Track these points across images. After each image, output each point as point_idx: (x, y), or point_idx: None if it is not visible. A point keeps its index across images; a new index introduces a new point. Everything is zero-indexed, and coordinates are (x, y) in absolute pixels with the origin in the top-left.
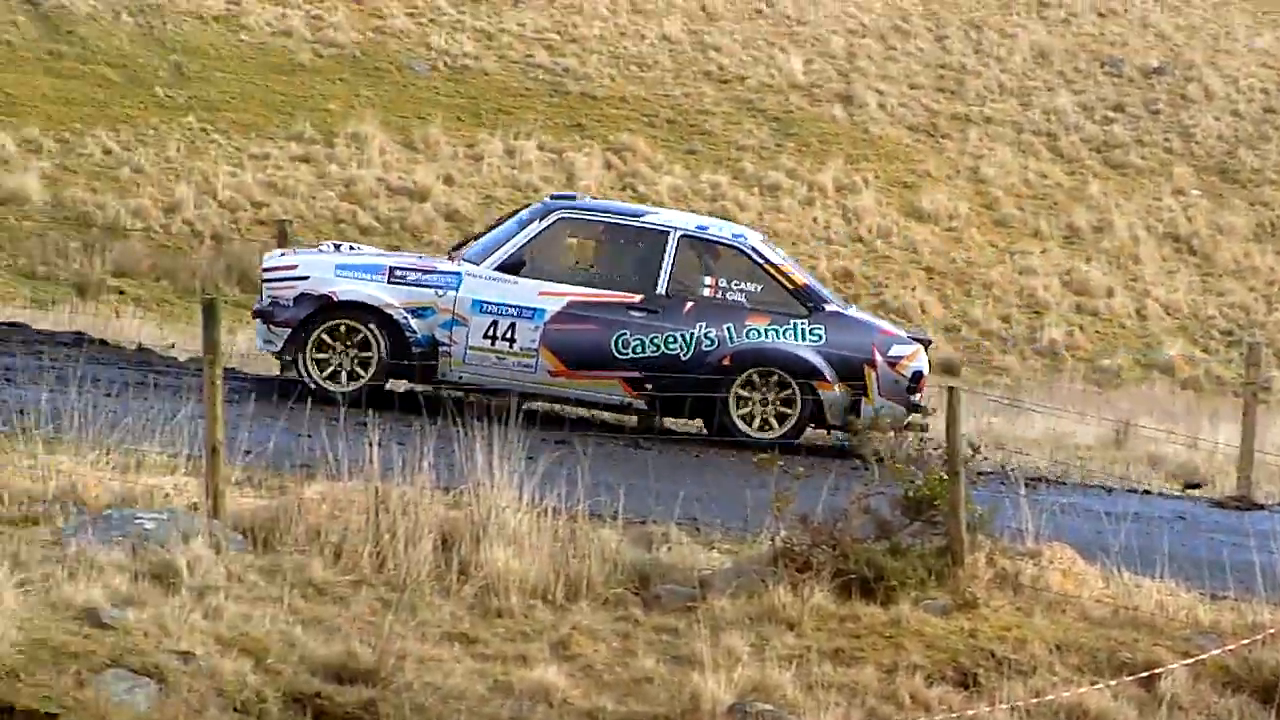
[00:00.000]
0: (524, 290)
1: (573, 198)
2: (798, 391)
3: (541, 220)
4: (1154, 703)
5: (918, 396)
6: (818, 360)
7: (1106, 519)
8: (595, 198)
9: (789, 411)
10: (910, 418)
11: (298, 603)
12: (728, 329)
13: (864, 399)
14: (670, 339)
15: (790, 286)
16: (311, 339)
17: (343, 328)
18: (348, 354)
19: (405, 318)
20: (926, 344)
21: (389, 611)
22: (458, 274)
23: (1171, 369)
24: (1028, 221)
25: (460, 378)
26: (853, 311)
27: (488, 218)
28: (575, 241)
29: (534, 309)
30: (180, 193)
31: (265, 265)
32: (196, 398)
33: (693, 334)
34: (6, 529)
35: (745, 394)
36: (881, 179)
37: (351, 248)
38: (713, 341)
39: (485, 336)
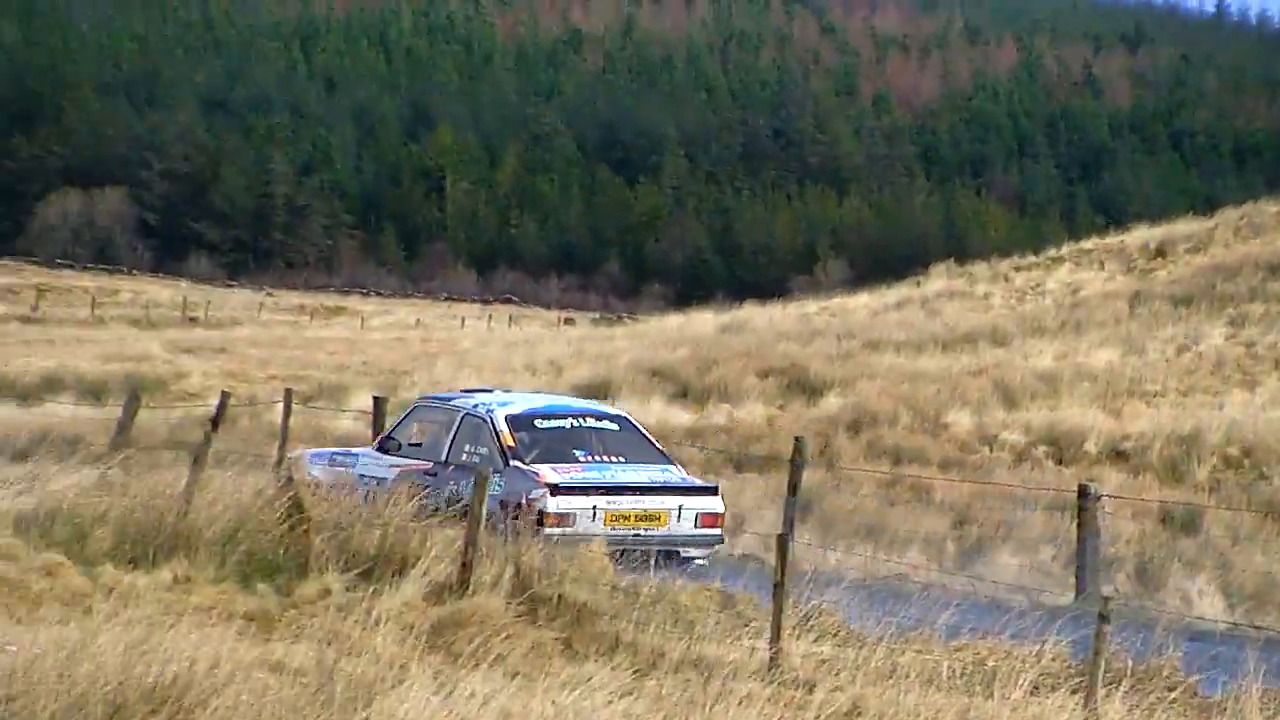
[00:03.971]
0: (382, 463)
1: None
2: None
3: (409, 408)
4: None
5: (546, 531)
6: (493, 503)
7: None
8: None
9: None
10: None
11: None
12: (465, 484)
13: None
14: (439, 494)
15: (500, 448)
16: None
17: None
18: None
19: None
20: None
21: None
22: (359, 454)
23: None
24: None
25: None
26: (536, 466)
27: None
28: (422, 425)
29: (383, 478)
30: None
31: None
32: None
33: (452, 489)
34: None
35: None
36: None
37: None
38: (458, 495)
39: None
